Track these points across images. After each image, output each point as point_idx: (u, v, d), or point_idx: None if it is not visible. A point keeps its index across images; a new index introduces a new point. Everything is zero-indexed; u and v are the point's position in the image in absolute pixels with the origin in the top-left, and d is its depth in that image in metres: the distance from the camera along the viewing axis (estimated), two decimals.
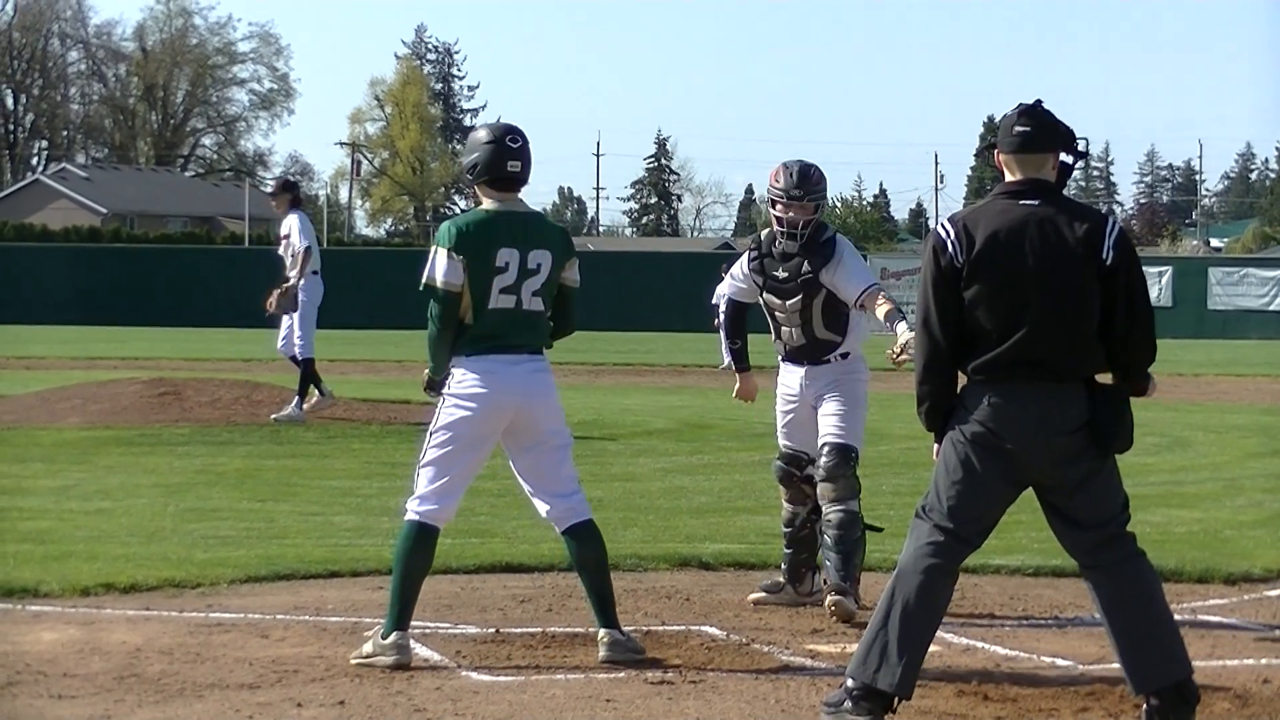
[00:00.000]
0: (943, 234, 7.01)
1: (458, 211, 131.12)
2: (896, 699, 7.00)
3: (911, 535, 7.11)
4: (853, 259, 9.69)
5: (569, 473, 8.42)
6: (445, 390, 8.31)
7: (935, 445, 7.17)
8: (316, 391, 20.44)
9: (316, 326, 20.36)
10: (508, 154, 8.25)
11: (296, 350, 20.12)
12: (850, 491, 9.54)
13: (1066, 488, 6.99)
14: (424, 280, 8.25)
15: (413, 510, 8.31)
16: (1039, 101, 7.13)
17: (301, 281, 19.87)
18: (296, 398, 20.21)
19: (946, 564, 7.05)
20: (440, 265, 8.20)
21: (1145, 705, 6.97)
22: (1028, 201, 6.98)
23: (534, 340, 8.32)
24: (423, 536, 8.29)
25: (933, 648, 7.24)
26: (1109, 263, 6.93)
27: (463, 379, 8.26)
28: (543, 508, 8.45)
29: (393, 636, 8.15)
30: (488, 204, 8.32)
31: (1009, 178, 7.09)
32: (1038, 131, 7.05)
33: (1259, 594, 10.43)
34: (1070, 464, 6.94)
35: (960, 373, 7.06)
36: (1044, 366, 6.90)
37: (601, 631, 8.36)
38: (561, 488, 8.39)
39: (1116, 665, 7.16)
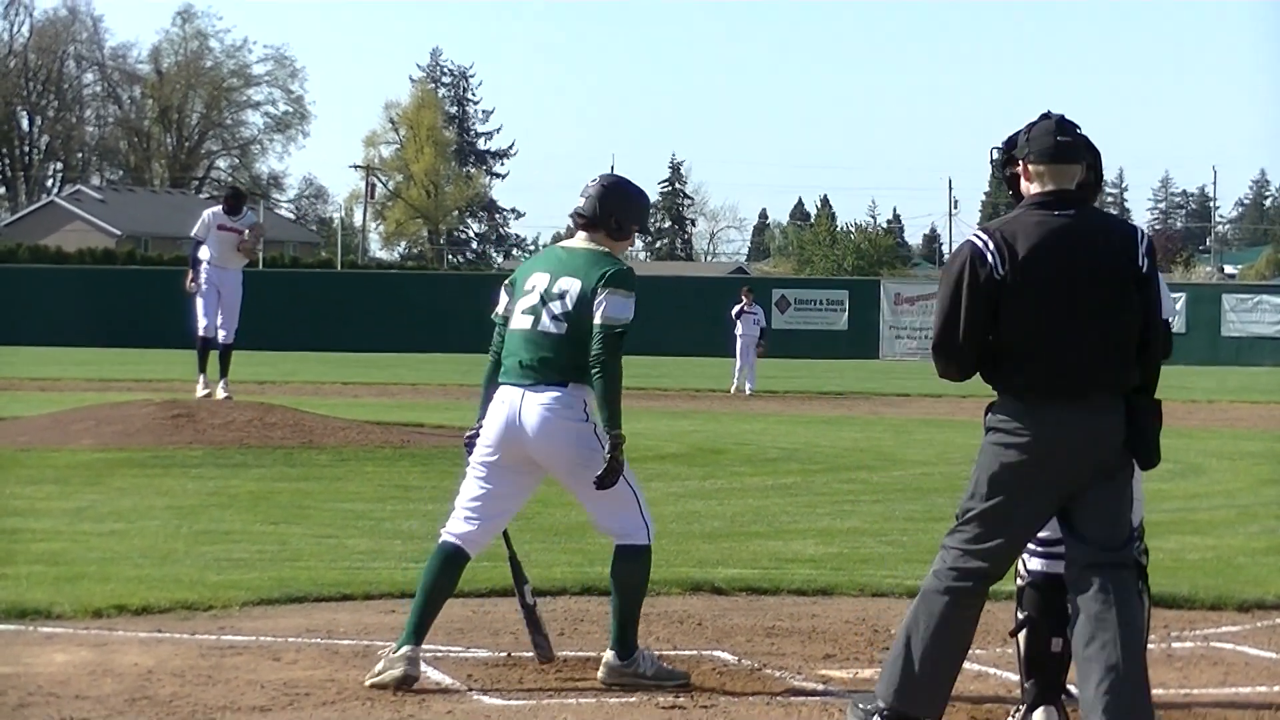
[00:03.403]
0: (980, 245, 6.81)
1: (470, 235, 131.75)
2: None
3: (940, 557, 7.04)
4: None
5: (612, 501, 8.29)
6: None
7: None
8: (200, 375, 22.25)
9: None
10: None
11: (220, 335, 21.97)
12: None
13: (1094, 504, 6.84)
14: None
15: (443, 532, 8.44)
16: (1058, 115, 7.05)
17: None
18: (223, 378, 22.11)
19: (975, 586, 6.98)
20: (501, 296, 8.58)
21: None
22: (1063, 213, 6.86)
23: (545, 367, 8.26)
24: (447, 558, 8.36)
25: None
26: (1144, 271, 6.85)
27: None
28: (596, 528, 8.60)
29: (404, 649, 8.17)
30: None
31: (1035, 188, 6.94)
32: (1075, 142, 6.96)
33: (1272, 621, 10.39)
34: (1107, 480, 6.82)
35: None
36: (1089, 381, 6.77)
37: (608, 652, 8.38)
38: (606, 518, 8.39)
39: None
